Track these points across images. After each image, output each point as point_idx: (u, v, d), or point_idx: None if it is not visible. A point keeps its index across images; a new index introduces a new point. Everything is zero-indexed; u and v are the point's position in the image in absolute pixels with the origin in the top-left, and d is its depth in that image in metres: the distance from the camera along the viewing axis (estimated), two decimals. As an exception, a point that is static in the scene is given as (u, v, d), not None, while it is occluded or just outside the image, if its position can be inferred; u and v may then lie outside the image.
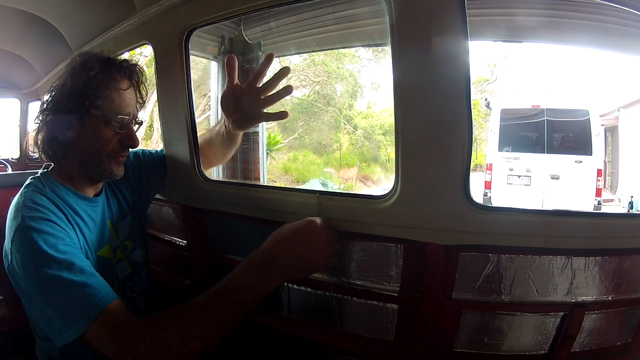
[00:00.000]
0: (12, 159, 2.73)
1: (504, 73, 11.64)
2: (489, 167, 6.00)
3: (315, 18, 1.99)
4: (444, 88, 0.75)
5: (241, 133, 1.04)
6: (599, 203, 5.35)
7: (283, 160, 9.51)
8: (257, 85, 0.93)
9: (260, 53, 2.31)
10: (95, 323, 0.67)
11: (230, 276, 0.73)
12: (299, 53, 6.28)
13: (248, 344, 1.11)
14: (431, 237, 0.81)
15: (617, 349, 0.91)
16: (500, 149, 5.89)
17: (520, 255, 0.81)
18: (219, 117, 1.05)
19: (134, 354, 0.65)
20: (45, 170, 0.87)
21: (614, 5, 0.91)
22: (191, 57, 1.05)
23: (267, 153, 6.19)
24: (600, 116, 5.81)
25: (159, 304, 1.03)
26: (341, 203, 0.88)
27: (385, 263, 0.88)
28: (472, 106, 0.75)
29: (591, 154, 5.39)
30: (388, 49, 0.78)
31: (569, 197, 5.37)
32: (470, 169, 0.77)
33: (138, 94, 0.90)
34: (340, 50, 9.38)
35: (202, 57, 2.45)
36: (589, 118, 5.39)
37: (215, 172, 1.51)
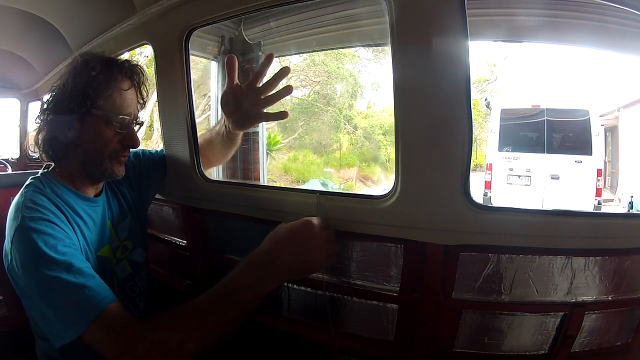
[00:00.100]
0: (12, 159, 2.73)
1: (504, 73, 11.65)
2: (489, 167, 6.00)
3: (315, 18, 1.99)
4: (444, 88, 0.75)
5: (241, 133, 1.04)
6: (599, 203, 5.35)
7: (283, 160, 9.51)
8: (257, 85, 0.93)
9: (260, 53, 2.31)
10: (93, 324, 0.67)
11: (229, 277, 0.73)
12: (299, 53, 6.28)
13: (248, 344, 1.11)
14: (431, 237, 0.81)
15: (617, 349, 0.91)
16: (500, 149, 5.89)
17: (520, 255, 0.81)
18: (219, 117, 1.05)
19: (132, 356, 0.65)
20: (45, 170, 0.87)
21: (614, 5, 0.91)
22: (191, 57, 1.05)
23: (267, 153, 6.19)
24: (600, 116, 5.81)
25: (159, 304, 1.03)
26: (341, 203, 0.88)
27: (385, 263, 0.88)
28: (472, 106, 0.75)
29: (591, 154, 5.39)
30: (388, 49, 0.78)
31: (569, 197, 5.37)
32: (470, 169, 0.77)
33: (139, 95, 0.90)
34: (340, 50, 9.38)
35: (202, 57, 2.45)
36: (589, 118, 5.39)
37: (215, 172, 1.51)
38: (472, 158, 0.77)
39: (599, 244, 0.80)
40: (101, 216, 0.91)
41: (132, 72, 0.88)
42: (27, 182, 0.83)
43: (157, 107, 1.15)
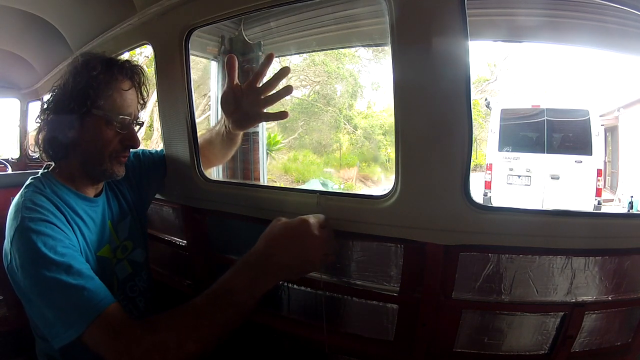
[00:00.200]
0: (12, 159, 2.73)
1: (504, 73, 11.65)
2: (489, 167, 6.00)
3: (315, 18, 1.99)
4: (444, 88, 0.75)
5: (241, 133, 1.04)
6: (599, 203, 5.35)
7: (283, 160, 9.51)
8: (257, 85, 0.93)
9: (260, 53, 2.31)
10: (92, 326, 0.67)
11: (225, 278, 0.72)
12: (299, 53, 6.28)
13: (248, 344, 1.11)
14: (431, 237, 0.81)
15: (617, 349, 0.91)
16: (500, 149, 5.89)
17: (520, 255, 0.81)
18: (219, 117, 1.05)
19: (131, 357, 0.65)
20: (45, 170, 0.87)
21: (614, 5, 0.91)
22: (191, 57, 1.05)
23: (267, 153, 6.19)
24: (600, 116, 5.81)
25: (159, 304, 1.03)
26: (341, 203, 0.88)
27: (385, 263, 0.88)
28: (472, 106, 0.75)
29: (591, 154, 5.39)
30: (388, 49, 0.78)
31: (569, 197, 5.37)
32: (470, 169, 0.77)
33: (139, 95, 0.90)
34: (340, 50, 9.38)
35: (202, 57, 2.45)
36: (589, 118, 5.39)
37: (215, 172, 1.51)
38: (472, 158, 0.77)
39: (599, 244, 0.80)
40: (101, 216, 0.91)
41: (133, 72, 0.88)
42: (27, 182, 0.83)
43: (157, 107, 1.15)
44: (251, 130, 2.45)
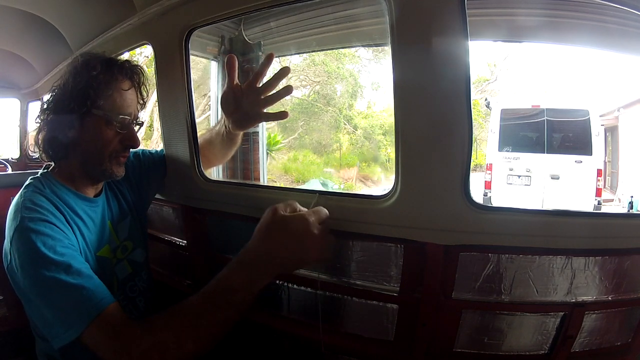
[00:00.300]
0: (12, 159, 2.73)
1: (504, 73, 11.65)
2: (489, 167, 6.00)
3: (315, 18, 1.99)
4: (444, 88, 0.75)
5: (241, 133, 1.04)
6: (599, 203, 5.35)
7: (283, 160, 9.51)
8: (257, 85, 0.93)
9: (260, 53, 2.31)
10: (91, 326, 0.67)
11: (222, 276, 0.71)
12: (299, 53, 6.28)
13: (248, 344, 1.11)
14: (431, 237, 0.81)
15: (617, 349, 0.91)
16: (500, 149, 5.89)
17: (520, 255, 0.81)
18: (219, 117, 1.05)
19: (130, 357, 0.65)
20: (45, 170, 0.87)
21: (614, 5, 0.91)
22: (191, 57, 1.05)
23: (267, 153, 6.19)
24: (600, 116, 5.81)
25: (159, 304, 1.03)
26: (341, 203, 0.88)
27: (385, 263, 0.88)
28: (472, 106, 0.75)
29: (591, 154, 5.39)
30: (388, 49, 0.78)
31: (569, 197, 5.37)
32: (470, 169, 0.77)
33: (139, 95, 0.90)
34: (340, 50, 9.38)
35: (202, 57, 2.45)
36: (589, 118, 5.39)
37: (215, 172, 1.51)
38: (472, 158, 0.77)
39: (599, 244, 0.80)
40: (101, 216, 0.91)
41: (133, 72, 0.88)
42: (27, 182, 0.83)
43: (157, 107, 1.15)
44: (251, 130, 2.45)
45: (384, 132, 9.94)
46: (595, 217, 0.89)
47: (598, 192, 5.34)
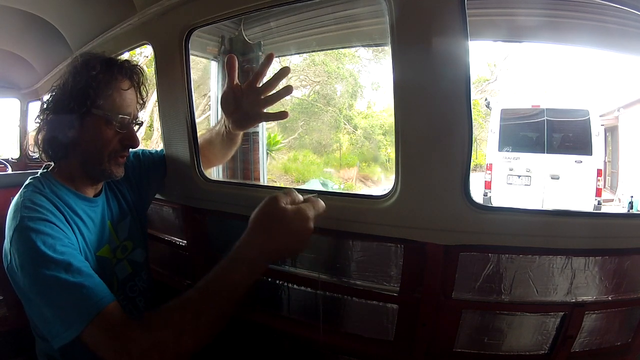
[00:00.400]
0: (12, 159, 2.73)
1: (504, 73, 11.65)
2: (489, 167, 6.00)
3: (315, 18, 1.99)
4: (444, 88, 0.75)
5: (241, 133, 1.04)
6: (599, 203, 5.35)
7: (283, 160, 9.51)
8: (257, 85, 0.93)
9: (260, 53, 2.31)
10: (91, 325, 0.67)
11: (219, 271, 0.70)
12: (299, 53, 6.29)
13: (248, 344, 1.11)
14: (431, 237, 0.81)
15: (617, 349, 0.91)
16: (500, 149, 5.89)
17: (520, 255, 0.81)
18: (219, 117, 1.05)
19: (127, 358, 0.65)
20: (45, 170, 0.87)
21: (614, 5, 0.91)
22: (191, 57, 1.05)
23: (267, 153, 6.19)
24: (600, 116, 5.81)
25: (159, 304, 1.03)
26: (341, 203, 0.88)
27: (385, 263, 0.88)
28: (472, 106, 0.75)
29: (591, 154, 5.39)
30: (388, 49, 0.78)
31: (569, 197, 5.37)
32: (470, 169, 0.77)
33: (139, 95, 0.90)
34: (340, 50, 9.38)
35: (202, 57, 2.46)
36: (589, 118, 5.39)
37: (215, 172, 1.51)
38: (472, 158, 0.77)
39: (599, 244, 0.80)
40: (100, 216, 0.91)
41: (132, 72, 0.88)
42: (27, 182, 0.83)
43: (157, 107, 1.15)
44: (251, 130, 2.45)
45: (384, 132, 9.95)
46: (595, 217, 0.89)
47: (598, 192, 5.34)
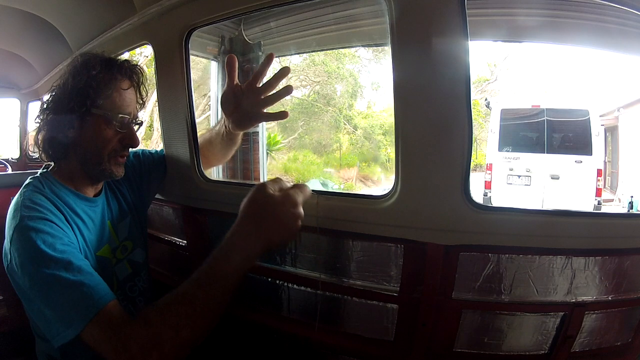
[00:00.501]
0: (12, 159, 2.73)
1: (504, 73, 11.66)
2: (489, 167, 6.00)
3: (315, 18, 1.99)
4: (444, 88, 0.75)
5: (241, 133, 1.04)
6: (599, 203, 5.35)
7: (283, 160, 9.51)
8: (257, 86, 0.93)
9: (260, 53, 2.31)
10: (91, 323, 0.67)
11: (212, 261, 0.71)
12: (299, 53, 6.29)
13: (248, 344, 1.11)
14: (431, 237, 0.81)
15: (617, 349, 0.91)
16: (500, 149, 5.89)
17: (520, 255, 0.81)
18: (219, 117, 1.05)
19: (128, 355, 0.65)
20: (44, 170, 0.87)
21: (614, 5, 0.91)
22: (191, 57, 1.05)
23: (267, 153, 6.19)
24: (600, 116, 5.81)
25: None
26: (341, 203, 0.88)
27: (385, 263, 0.88)
28: (472, 106, 0.75)
29: (591, 154, 5.39)
30: (388, 49, 0.78)
31: (569, 197, 5.37)
32: (470, 169, 0.77)
33: (138, 94, 0.90)
34: (340, 50, 9.38)
35: (202, 57, 2.46)
36: (589, 118, 5.39)
37: (215, 172, 1.51)
38: (472, 158, 0.77)
39: (599, 244, 0.80)
40: (100, 216, 0.91)
41: (132, 71, 0.88)
42: (26, 181, 0.83)
43: (157, 107, 1.15)
44: (251, 130, 2.45)
45: (384, 132, 9.95)
46: (595, 217, 0.89)
47: (598, 192, 5.34)
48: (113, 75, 0.85)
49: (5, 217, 0.78)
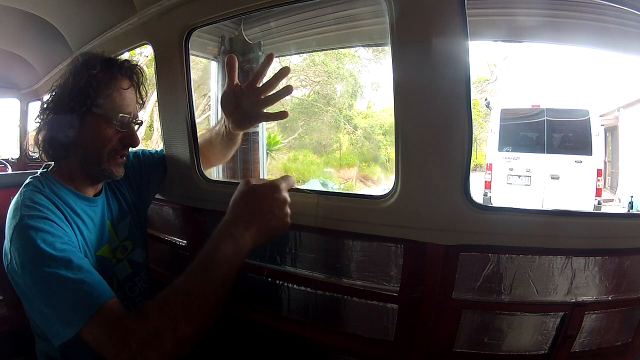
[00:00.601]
0: (12, 159, 2.73)
1: (504, 73, 11.66)
2: (489, 167, 6.00)
3: (315, 18, 1.99)
4: (444, 88, 0.75)
5: (241, 133, 1.04)
6: (599, 203, 5.35)
7: (283, 160, 9.52)
8: (257, 86, 0.92)
9: (260, 53, 2.31)
10: (91, 321, 0.67)
11: (205, 252, 0.71)
12: (299, 53, 6.29)
13: (248, 344, 1.11)
14: (431, 237, 0.81)
15: (617, 349, 0.91)
16: (500, 149, 5.89)
17: (520, 255, 0.81)
18: (219, 117, 1.05)
19: (128, 351, 0.65)
20: (44, 170, 0.87)
21: (614, 5, 0.91)
22: (191, 57, 1.05)
23: (267, 153, 6.19)
24: (600, 116, 5.81)
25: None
26: (341, 203, 0.88)
27: (385, 263, 0.88)
28: (472, 106, 0.75)
29: (591, 154, 5.39)
30: (388, 49, 0.78)
31: (569, 197, 5.37)
32: (470, 169, 0.77)
33: (138, 94, 0.91)
34: (340, 50, 9.38)
35: (202, 57, 2.46)
36: (589, 118, 5.39)
37: (215, 172, 1.51)
38: (472, 158, 0.77)
39: (599, 244, 0.80)
40: (100, 216, 0.91)
41: (132, 71, 0.88)
42: (26, 181, 0.83)
43: (157, 107, 1.15)
44: (251, 130, 2.45)
45: (384, 132, 9.95)
46: (595, 217, 0.89)
47: (598, 192, 5.34)
48: (113, 75, 0.85)
49: (5, 217, 0.78)
